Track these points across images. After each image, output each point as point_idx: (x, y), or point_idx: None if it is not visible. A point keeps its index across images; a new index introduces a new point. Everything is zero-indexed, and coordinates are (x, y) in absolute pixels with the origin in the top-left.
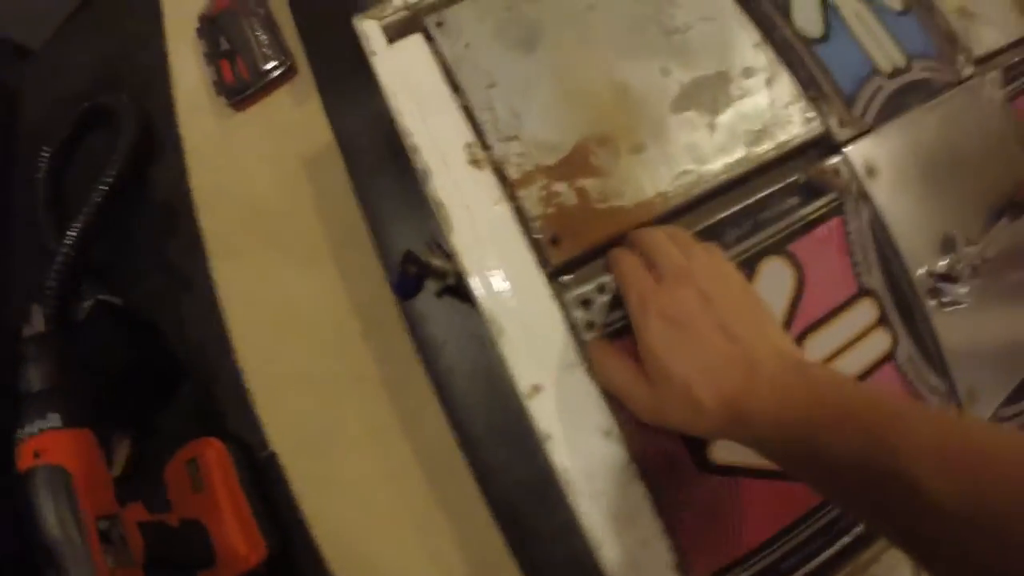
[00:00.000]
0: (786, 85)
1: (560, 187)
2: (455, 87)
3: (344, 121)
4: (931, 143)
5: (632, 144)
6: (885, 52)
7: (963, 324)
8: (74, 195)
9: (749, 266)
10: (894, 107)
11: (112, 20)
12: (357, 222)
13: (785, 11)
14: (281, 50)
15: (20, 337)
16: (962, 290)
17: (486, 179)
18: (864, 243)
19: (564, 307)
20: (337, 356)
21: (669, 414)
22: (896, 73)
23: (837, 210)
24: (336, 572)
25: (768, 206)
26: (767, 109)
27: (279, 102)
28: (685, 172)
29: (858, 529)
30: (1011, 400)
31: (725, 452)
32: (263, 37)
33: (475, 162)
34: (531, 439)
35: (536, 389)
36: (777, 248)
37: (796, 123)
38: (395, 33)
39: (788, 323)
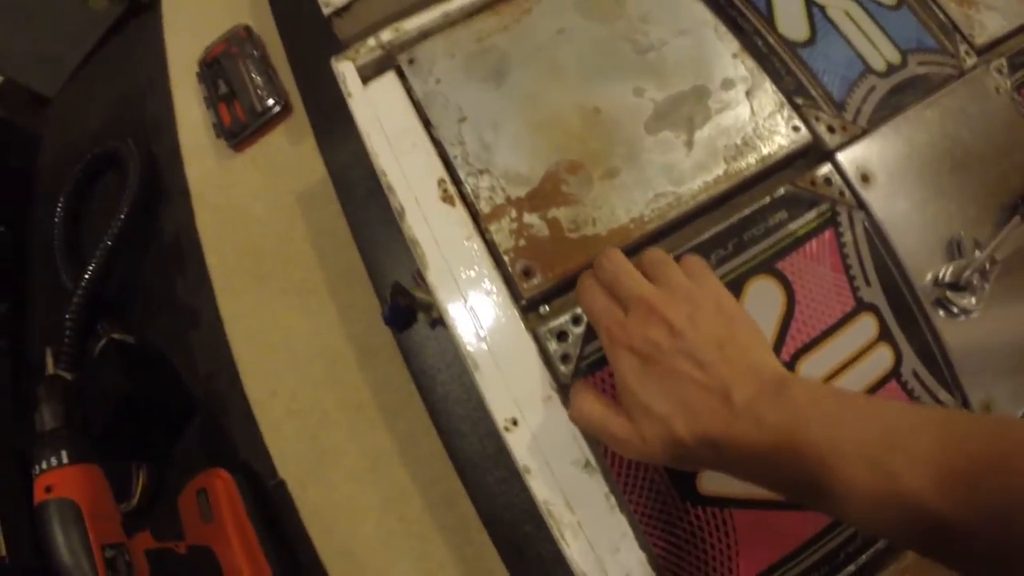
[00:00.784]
0: (768, 94)
1: (531, 218)
2: (427, 123)
3: (336, 156)
4: (932, 142)
5: (605, 169)
6: (878, 49)
7: (974, 333)
8: (89, 237)
9: (735, 288)
10: (890, 107)
11: (121, 67)
12: (352, 255)
13: (768, 16)
14: (276, 91)
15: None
16: (971, 298)
17: (458, 215)
18: (860, 255)
19: (539, 340)
20: (336, 386)
21: (651, 449)
22: (891, 70)
23: (829, 222)
24: None
25: (753, 223)
26: (748, 121)
27: (275, 141)
28: (661, 195)
29: (864, 558)
30: None
31: (713, 483)
32: (258, 79)
33: (447, 198)
34: None
35: (513, 422)
36: (764, 267)
37: (781, 134)
38: (371, 71)
39: (778, 346)
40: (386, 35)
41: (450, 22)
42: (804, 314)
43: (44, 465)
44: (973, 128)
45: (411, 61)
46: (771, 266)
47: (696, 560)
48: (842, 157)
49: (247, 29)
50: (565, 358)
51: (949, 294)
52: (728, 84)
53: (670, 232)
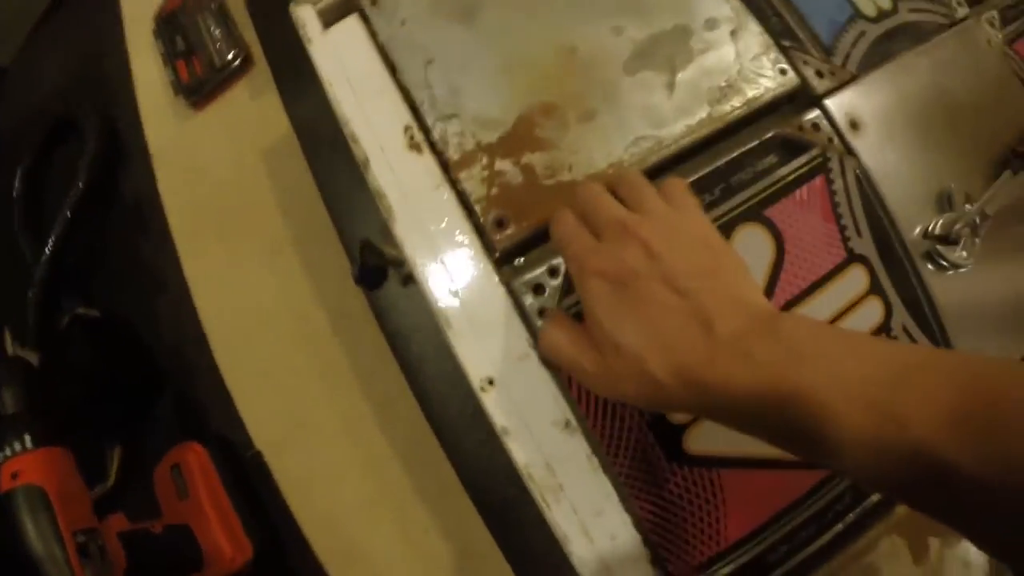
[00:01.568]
0: (755, 35)
1: (504, 165)
2: (392, 68)
3: (300, 110)
4: (922, 92)
5: (581, 111)
6: None
7: (964, 288)
8: (50, 205)
9: (723, 234)
10: (879, 54)
11: (75, 29)
12: (321, 212)
13: None
14: (235, 43)
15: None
16: (962, 252)
17: (425, 163)
18: (852, 204)
19: (514, 294)
20: (307, 349)
21: (623, 388)
22: (881, 16)
23: (820, 168)
24: (325, 563)
25: (741, 167)
26: (733, 63)
27: (237, 96)
28: (641, 138)
29: (851, 517)
30: None
31: (700, 442)
32: (217, 32)
33: (414, 146)
34: None
35: (489, 382)
36: (752, 214)
37: (767, 76)
38: (332, 16)
39: (767, 297)
40: None
41: None
42: (794, 264)
43: (8, 451)
44: (964, 80)
45: (374, 2)
46: (760, 213)
47: (683, 521)
48: (831, 103)
49: None
50: (542, 313)
51: (939, 247)
52: (712, 24)
53: (651, 178)
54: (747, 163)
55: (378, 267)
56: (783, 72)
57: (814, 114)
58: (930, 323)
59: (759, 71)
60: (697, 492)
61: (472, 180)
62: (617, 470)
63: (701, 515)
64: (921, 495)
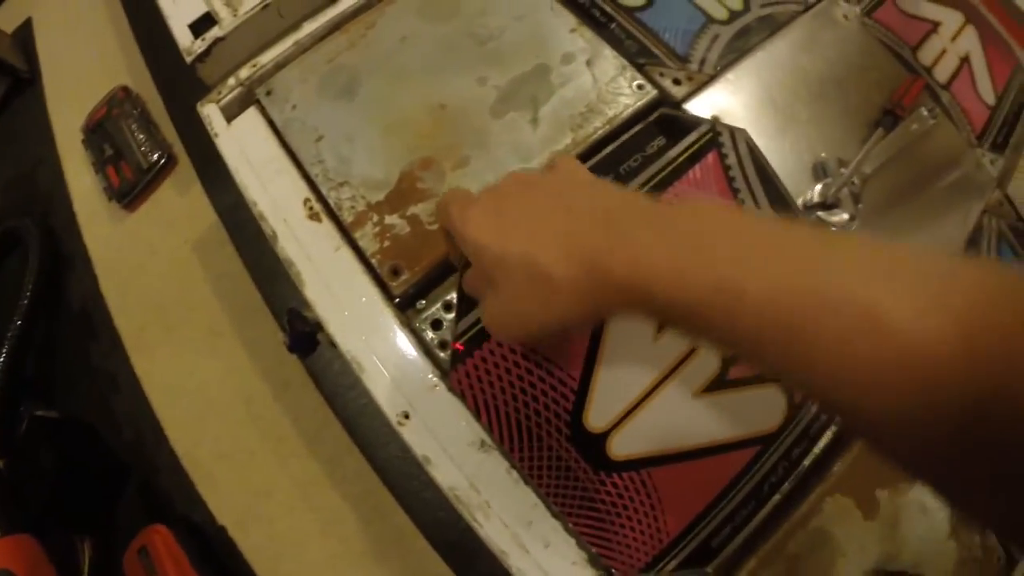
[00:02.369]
0: (609, 60)
1: (392, 219)
2: (288, 148)
3: (223, 199)
4: (783, 75)
5: (456, 160)
6: (718, 0)
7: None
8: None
9: None
10: (736, 51)
11: (10, 144)
12: (252, 292)
13: None
14: (159, 144)
15: None
16: (844, 214)
17: (325, 229)
18: (747, 175)
19: (415, 333)
20: (256, 424)
21: (523, 312)
22: (733, 17)
23: (711, 143)
24: None
25: (629, 153)
26: (591, 89)
27: (165, 194)
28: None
29: (787, 486)
30: None
31: (624, 446)
32: (141, 136)
33: (314, 215)
34: None
35: (405, 416)
36: (656, 191)
37: (625, 94)
38: (236, 109)
39: None
40: (244, 72)
41: (302, 49)
42: None
43: None
44: (826, 56)
45: (269, 93)
46: (662, 191)
47: (621, 527)
48: (691, 106)
49: (125, 89)
50: (443, 345)
51: (821, 214)
52: (568, 58)
53: None
54: (635, 147)
55: (307, 333)
56: (640, 88)
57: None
58: None
59: (617, 91)
60: (631, 496)
61: (366, 237)
62: (545, 491)
63: (639, 517)
64: (925, 423)
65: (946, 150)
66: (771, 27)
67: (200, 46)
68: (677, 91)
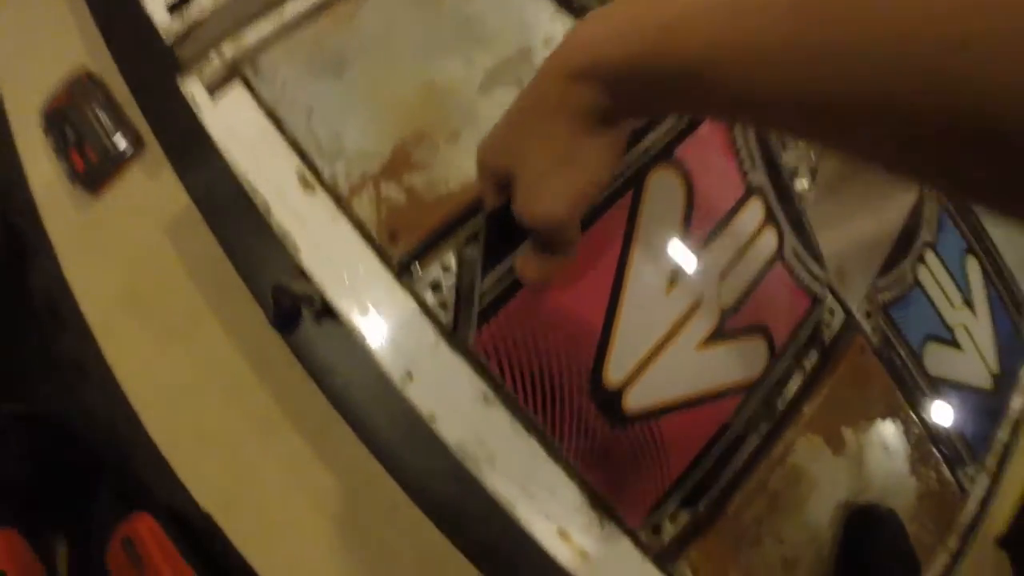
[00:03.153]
0: None
1: (388, 189)
2: (279, 124)
3: (196, 180)
4: None
5: (447, 134)
6: None
7: (829, 212)
8: None
9: (636, 183)
10: None
11: None
12: (229, 273)
13: None
14: (125, 129)
15: None
16: (804, 182)
17: (321, 200)
18: (747, 132)
19: (416, 295)
20: (238, 404)
21: (549, 169)
22: None
23: None
24: None
25: None
26: None
27: (133, 179)
28: None
29: (764, 426)
30: (885, 271)
31: (637, 399)
32: (106, 120)
33: (308, 187)
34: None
35: (409, 376)
36: (664, 156)
37: None
38: (217, 85)
39: (685, 236)
40: (228, 50)
41: (287, 29)
42: (702, 207)
43: None
44: None
45: (255, 69)
46: (671, 153)
47: (632, 476)
48: None
49: (88, 73)
50: (443, 305)
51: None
52: (550, 41)
53: None
54: None
55: (291, 309)
56: None
57: None
58: (812, 243)
59: None
60: (641, 446)
61: (363, 207)
62: (566, 452)
63: (647, 464)
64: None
65: None
66: None
67: (180, 27)
68: None
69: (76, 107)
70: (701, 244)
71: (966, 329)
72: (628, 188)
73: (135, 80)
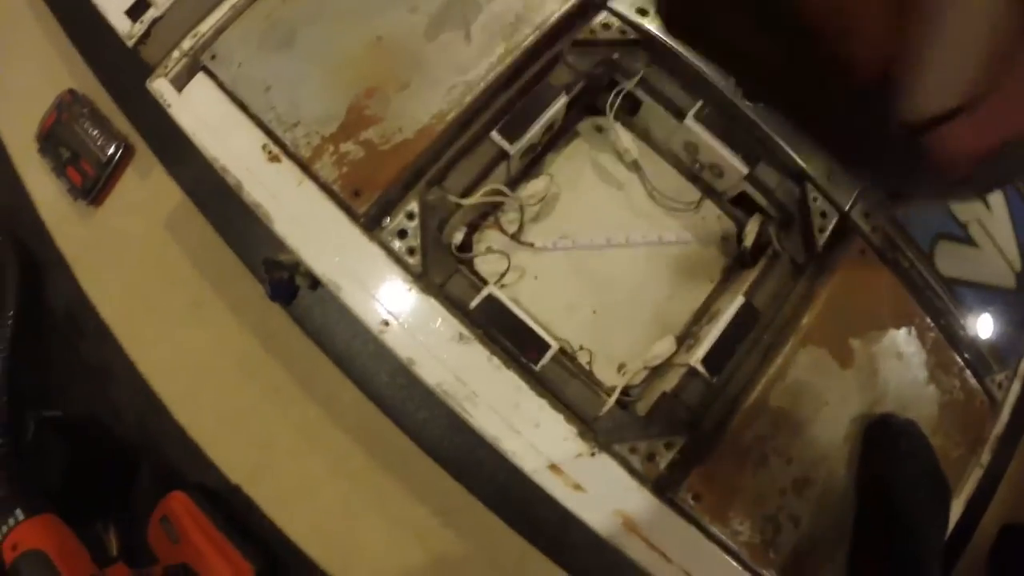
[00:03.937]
0: None
1: (347, 147)
2: (240, 104)
3: (186, 174)
4: None
5: (398, 85)
6: None
7: None
8: None
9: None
10: None
11: None
12: (228, 256)
13: None
14: (114, 136)
15: None
16: None
17: (287, 168)
18: None
19: (384, 246)
20: (252, 380)
21: None
22: None
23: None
24: (326, 567)
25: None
26: (517, 0)
27: (129, 183)
28: (452, 87)
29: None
30: None
31: None
32: (95, 132)
33: (273, 158)
34: None
35: (385, 324)
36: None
37: (551, 1)
38: (184, 79)
39: None
40: (187, 43)
41: (238, 12)
42: None
43: (4, 529)
44: None
45: (213, 57)
46: None
47: None
48: (616, 3)
49: (71, 92)
50: (411, 251)
51: None
52: None
53: (474, 118)
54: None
55: (285, 280)
56: None
57: (602, 16)
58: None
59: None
60: None
61: (325, 168)
62: None
63: None
64: None
65: None
66: None
67: (140, 29)
68: None
69: (65, 125)
70: None
71: (981, 224)
72: None
73: (115, 89)
